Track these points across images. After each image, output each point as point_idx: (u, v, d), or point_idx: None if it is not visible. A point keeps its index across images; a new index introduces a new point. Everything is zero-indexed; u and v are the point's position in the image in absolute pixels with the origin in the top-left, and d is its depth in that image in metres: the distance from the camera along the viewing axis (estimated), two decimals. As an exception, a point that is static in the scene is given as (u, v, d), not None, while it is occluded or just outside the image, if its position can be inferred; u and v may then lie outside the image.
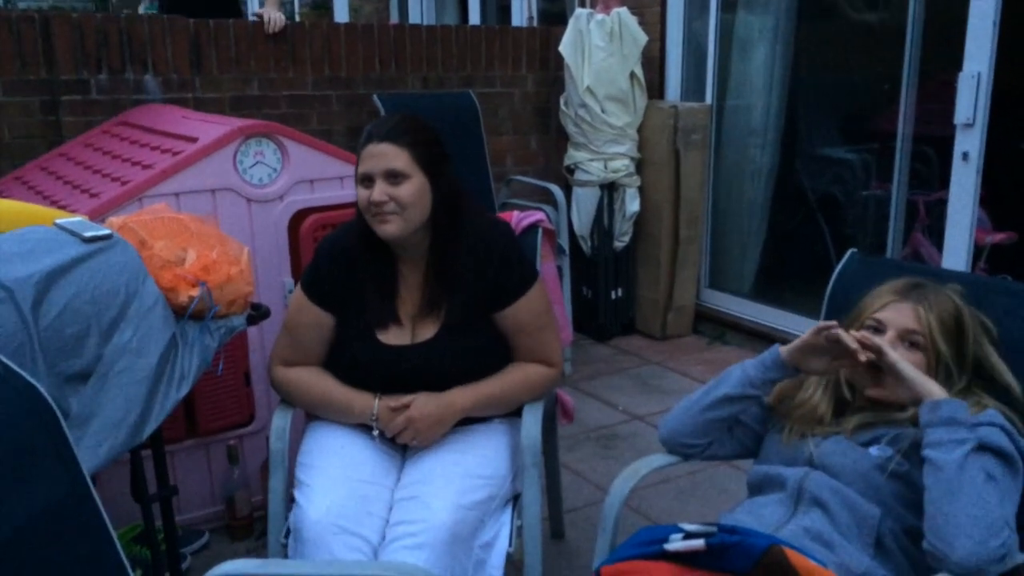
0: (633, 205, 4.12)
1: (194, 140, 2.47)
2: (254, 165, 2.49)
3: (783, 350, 1.58)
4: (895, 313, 1.55)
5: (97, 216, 2.11)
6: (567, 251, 3.84)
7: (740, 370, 1.63)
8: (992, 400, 1.50)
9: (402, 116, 1.82)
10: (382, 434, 1.81)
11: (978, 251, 3.45)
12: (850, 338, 1.48)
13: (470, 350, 1.83)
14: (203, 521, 2.51)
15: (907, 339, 1.54)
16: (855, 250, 1.90)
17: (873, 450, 1.48)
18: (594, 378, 3.75)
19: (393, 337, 1.83)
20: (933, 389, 1.43)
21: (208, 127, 2.58)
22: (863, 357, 1.47)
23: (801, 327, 3.64)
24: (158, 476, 1.91)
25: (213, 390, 2.41)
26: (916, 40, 3.41)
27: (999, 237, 3.61)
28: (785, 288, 4.18)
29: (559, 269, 3.72)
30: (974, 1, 3.01)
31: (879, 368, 1.49)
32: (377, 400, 1.80)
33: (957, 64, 3.07)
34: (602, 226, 4.15)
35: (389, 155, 1.74)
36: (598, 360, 3.97)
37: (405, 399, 1.78)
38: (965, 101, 3.05)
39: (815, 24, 4.25)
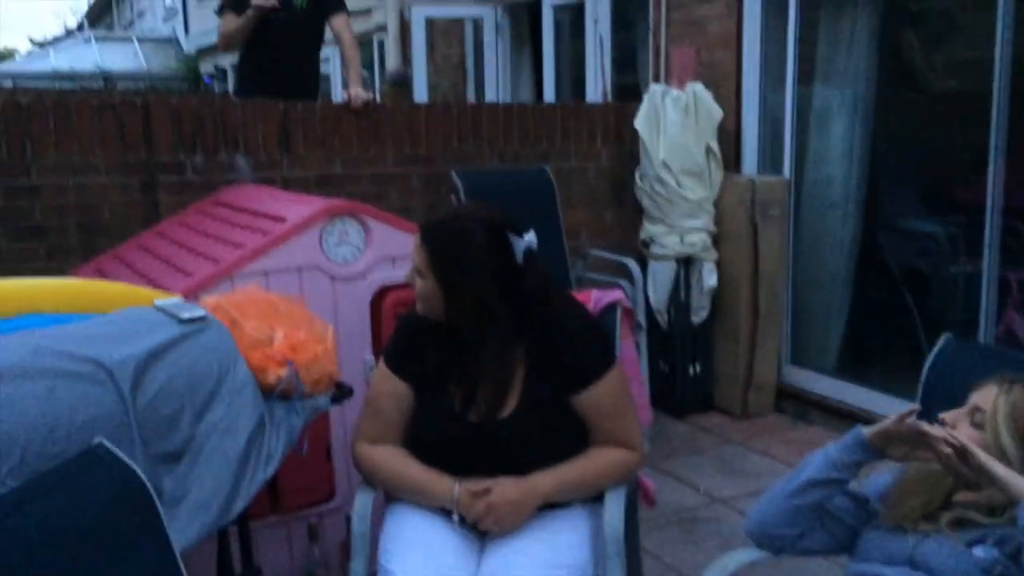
0: (710, 279, 4.09)
1: (282, 220, 2.55)
2: (339, 244, 2.55)
3: (866, 431, 1.54)
4: (978, 393, 1.52)
5: (191, 294, 2.18)
6: (644, 326, 3.81)
7: (823, 453, 1.59)
8: None
9: (447, 216, 1.90)
10: (462, 518, 1.80)
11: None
12: (932, 429, 1.43)
13: (545, 431, 1.82)
14: (281, 598, 2.52)
15: (973, 417, 1.50)
16: (950, 335, 1.84)
17: (977, 551, 1.40)
18: (673, 457, 3.67)
19: (469, 412, 1.84)
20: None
21: (296, 207, 2.66)
22: (945, 448, 1.41)
23: (889, 407, 3.51)
24: (243, 555, 1.93)
25: (295, 466, 2.42)
26: (1003, 108, 3.33)
27: (1100, 315, 3.45)
28: (872, 365, 4.06)
29: (636, 345, 3.69)
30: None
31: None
32: (456, 485, 1.79)
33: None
34: (679, 300, 4.12)
35: (415, 250, 1.85)
36: (676, 438, 3.90)
37: (486, 483, 1.77)
38: (1058, 175, 2.96)
39: (896, 94, 4.21)
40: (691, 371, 4.17)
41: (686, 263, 4.09)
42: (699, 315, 4.14)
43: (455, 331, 1.86)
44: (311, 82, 4.27)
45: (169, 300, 1.86)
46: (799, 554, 1.65)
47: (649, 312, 4.12)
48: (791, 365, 4.24)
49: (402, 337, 1.95)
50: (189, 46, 16.82)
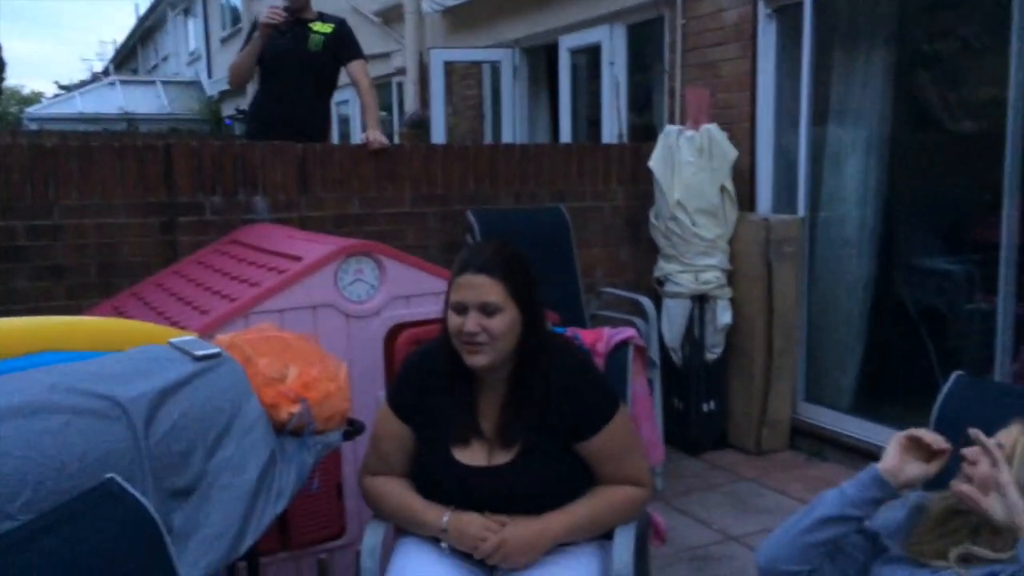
0: (725, 317, 4.09)
1: (298, 259, 2.59)
2: (353, 282, 2.58)
3: (880, 465, 1.56)
4: (1002, 433, 1.50)
5: (207, 332, 2.21)
6: (658, 363, 3.81)
7: (838, 491, 1.60)
8: None
9: (498, 245, 1.86)
10: (471, 556, 1.80)
11: (1097, 368, 3.27)
12: (931, 436, 1.52)
13: (547, 477, 1.82)
14: (292, 636, 2.51)
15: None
16: (961, 373, 1.83)
17: (988, 588, 1.39)
18: (686, 494, 3.64)
19: (470, 457, 1.84)
20: None
21: (311, 246, 2.71)
22: (938, 446, 1.52)
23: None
24: (252, 591, 1.93)
25: (306, 503, 2.44)
26: (1016, 148, 3.35)
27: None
28: (887, 403, 4.03)
29: (650, 382, 3.68)
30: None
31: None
32: (447, 515, 1.80)
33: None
34: (693, 338, 4.11)
35: (484, 287, 1.77)
36: (690, 475, 3.87)
37: (502, 518, 1.77)
38: (1073, 213, 2.95)
39: (911, 134, 4.23)
40: (705, 408, 4.15)
41: (700, 301, 4.09)
42: (713, 352, 4.13)
43: (465, 373, 1.86)
44: (321, 126, 4.31)
45: (183, 338, 1.89)
46: (809, 592, 1.63)
47: (663, 350, 4.12)
48: (806, 402, 4.21)
49: (406, 379, 1.95)
50: (212, 89, 17.17)
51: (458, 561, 1.82)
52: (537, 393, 1.82)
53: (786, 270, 4.04)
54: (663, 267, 4.18)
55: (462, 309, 1.79)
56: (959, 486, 1.46)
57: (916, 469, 1.55)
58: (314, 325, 2.49)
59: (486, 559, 1.78)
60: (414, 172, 3.92)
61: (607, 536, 1.88)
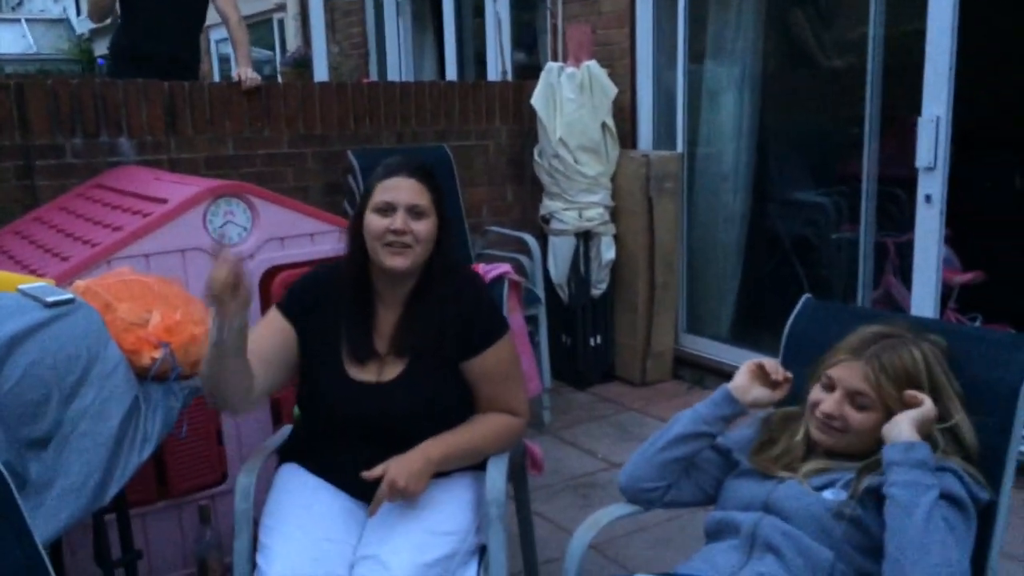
0: (609, 253, 4.17)
1: (164, 201, 2.50)
2: (224, 225, 2.51)
3: (730, 384, 1.67)
4: (846, 371, 1.54)
5: (66, 279, 2.12)
6: (543, 300, 3.87)
7: (691, 410, 1.70)
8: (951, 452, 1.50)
9: (421, 159, 1.90)
10: (348, 487, 1.81)
11: (948, 291, 3.49)
12: (772, 365, 1.65)
13: (434, 394, 1.84)
14: (175, 584, 2.49)
15: (856, 401, 1.53)
16: (809, 296, 1.93)
17: (827, 494, 1.49)
18: (573, 426, 3.75)
19: (361, 373, 1.85)
20: (907, 432, 1.43)
21: (179, 188, 2.61)
22: (777, 377, 1.64)
23: (777, 370, 3.65)
24: (122, 540, 1.90)
25: (185, 450, 2.41)
26: (876, 85, 3.49)
27: (967, 277, 3.65)
28: (762, 331, 4.21)
29: (535, 318, 3.75)
30: (930, 47, 3.09)
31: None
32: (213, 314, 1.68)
33: (918, 107, 3.14)
34: (579, 274, 4.19)
35: (415, 190, 1.81)
36: (578, 408, 3.98)
37: (377, 470, 1.73)
38: (925, 145, 3.11)
39: (782, 71, 4.35)
40: (592, 343, 4.25)
41: (585, 238, 4.16)
42: (599, 288, 4.22)
43: (365, 289, 1.87)
44: (191, 64, 4.12)
45: (35, 284, 1.81)
46: (667, 507, 1.72)
47: (550, 286, 4.18)
48: (687, 333, 4.37)
49: (303, 288, 1.93)
50: (81, 27, 16.19)
51: (337, 490, 1.83)
52: (433, 311, 1.85)
53: (666, 205, 4.14)
54: (548, 205, 4.22)
55: (389, 209, 1.80)
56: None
57: (762, 392, 1.67)
58: (184, 269, 2.41)
59: (389, 500, 1.73)
60: (291, 111, 3.81)
61: (481, 466, 1.91)
